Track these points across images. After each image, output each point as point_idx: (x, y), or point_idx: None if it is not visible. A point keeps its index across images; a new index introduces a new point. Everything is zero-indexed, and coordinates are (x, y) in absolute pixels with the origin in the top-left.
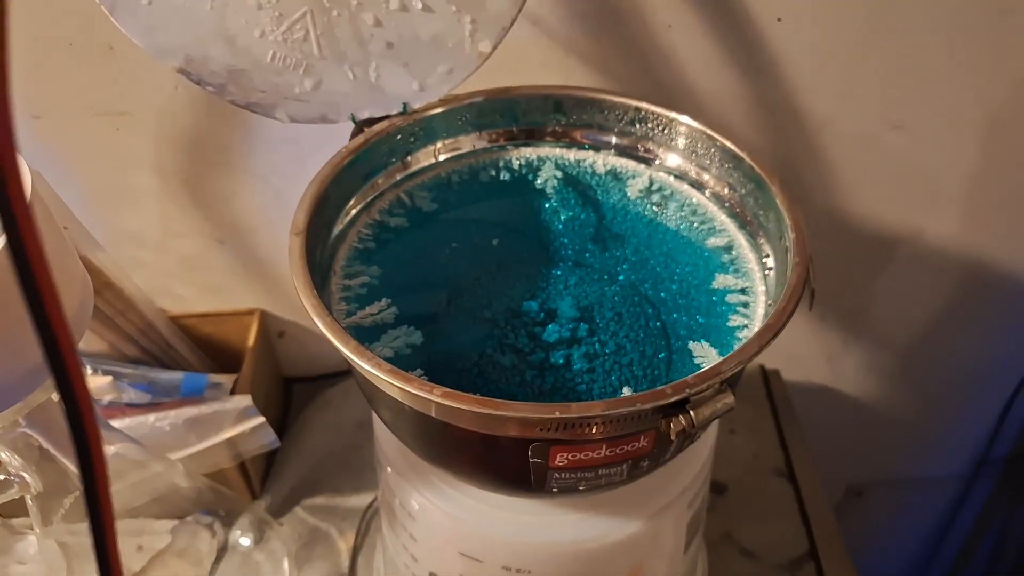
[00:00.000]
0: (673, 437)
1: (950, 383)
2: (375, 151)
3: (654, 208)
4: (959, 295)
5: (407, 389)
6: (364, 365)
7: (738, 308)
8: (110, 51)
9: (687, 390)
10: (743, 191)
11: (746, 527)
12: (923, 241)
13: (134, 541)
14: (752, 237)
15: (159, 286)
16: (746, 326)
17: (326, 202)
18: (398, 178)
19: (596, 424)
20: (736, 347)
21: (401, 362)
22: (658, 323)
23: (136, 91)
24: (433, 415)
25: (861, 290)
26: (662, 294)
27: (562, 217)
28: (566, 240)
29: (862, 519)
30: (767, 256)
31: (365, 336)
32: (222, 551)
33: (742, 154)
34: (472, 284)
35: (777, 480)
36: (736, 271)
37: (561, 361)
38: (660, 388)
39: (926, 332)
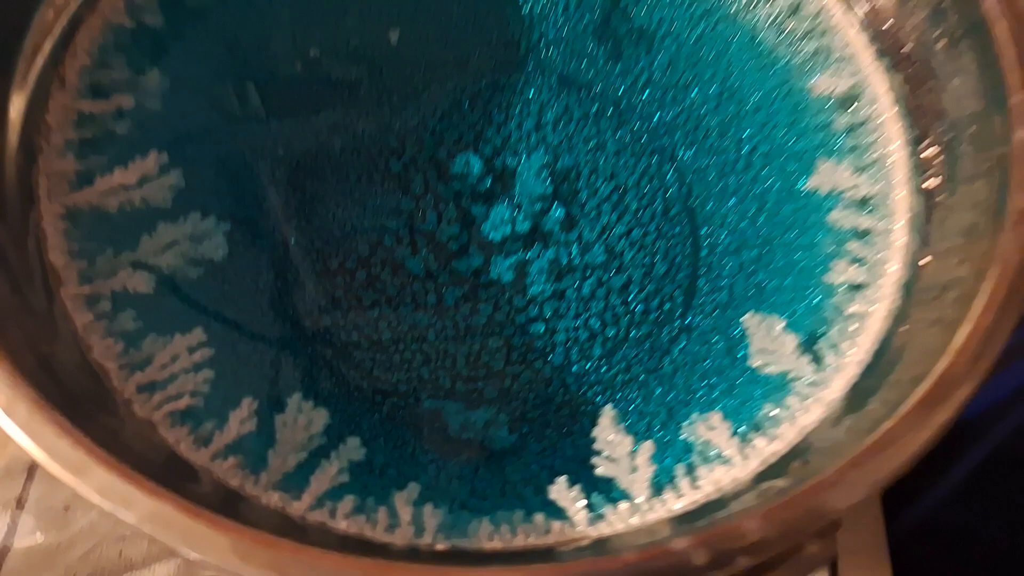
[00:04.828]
0: None
1: None
2: None
3: None
4: None
5: None
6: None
7: (849, 246)
8: None
9: (735, 544)
10: None
11: None
12: None
13: None
14: (905, 96)
15: None
16: (859, 318)
17: None
18: None
19: None
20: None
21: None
22: (683, 213)
23: None
24: None
25: None
26: (701, 160)
27: None
28: (548, 31)
29: None
30: (936, 159)
31: (117, 237)
32: None
33: None
34: (368, 108)
35: None
36: (855, 154)
37: (510, 276)
38: (661, 546)
39: None
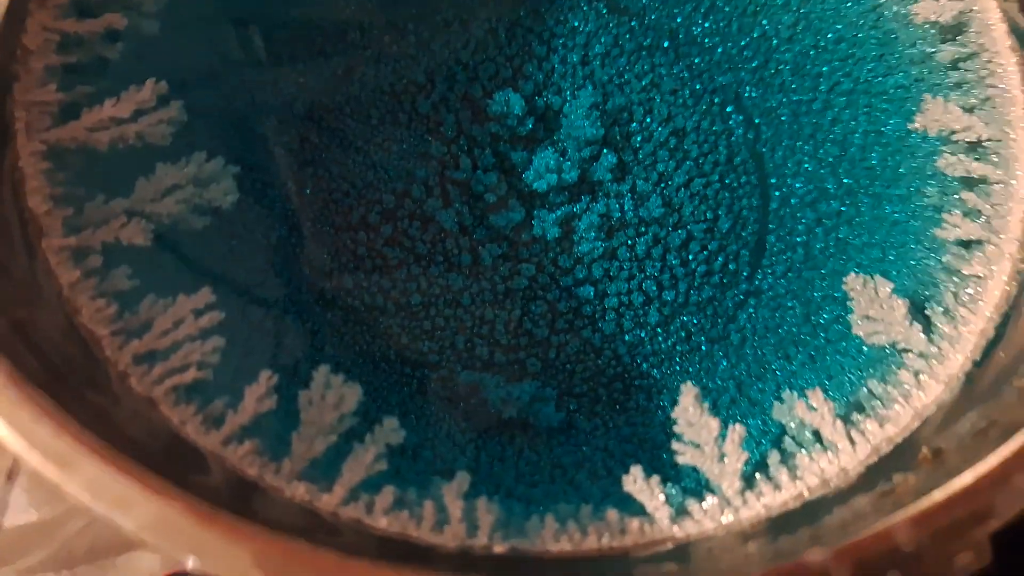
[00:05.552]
0: None
1: None
2: None
3: None
4: None
5: None
6: None
7: (961, 196)
8: None
9: None
10: None
11: None
12: None
13: None
14: (1020, 24)
15: None
16: (977, 280)
17: None
18: None
19: None
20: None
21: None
22: (751, 160)
23: None
24: None
25: None
26: (771, 100)
27: None
28: None
29: None
30: None
31: (108, 180)
32: None
33: None
34: (392, 39)
35: None
36: (961, 92)
37: (555, 232)
38: (792, 561)
39: None
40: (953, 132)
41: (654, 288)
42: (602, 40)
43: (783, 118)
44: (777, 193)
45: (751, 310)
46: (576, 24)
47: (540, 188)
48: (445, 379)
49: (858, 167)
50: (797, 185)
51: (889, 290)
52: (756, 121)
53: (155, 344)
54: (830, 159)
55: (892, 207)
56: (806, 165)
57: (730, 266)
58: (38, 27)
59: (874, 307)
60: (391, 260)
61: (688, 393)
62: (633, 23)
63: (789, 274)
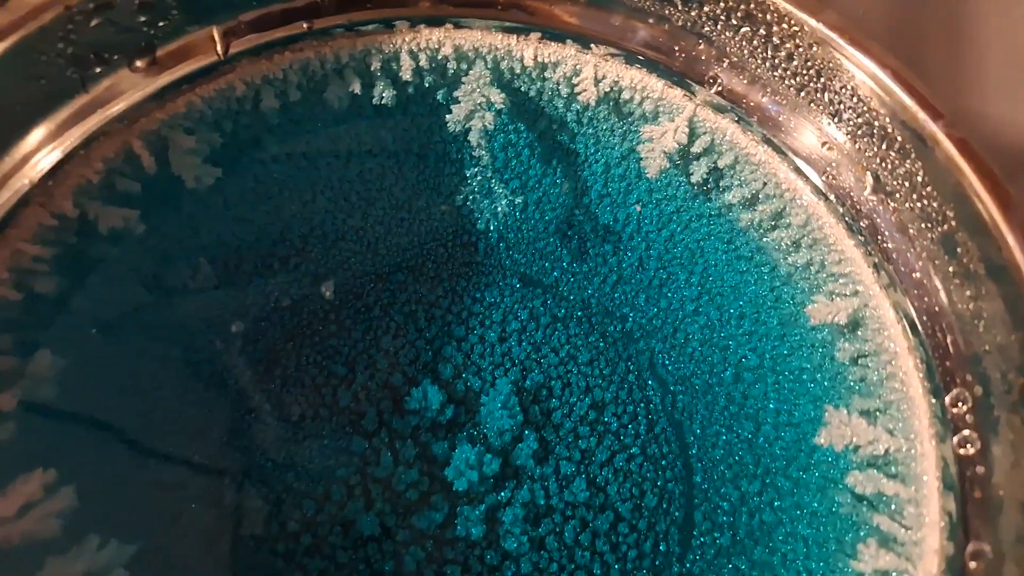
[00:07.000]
0: None
1: None
2: (46, 40)
3: (695, 191)
4: None
5: None
6: None
7: (875, 517)
8: None
9: None
10: (928, 207)
11: None
12: None
13: None
14: (918, 328)
15: None
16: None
17: None
18: (124, 103)
19: None
20: None
21: None
22: (670, 428)
23: None
24: None
25: None
26: (684, 368)
27: (497, 193)
28: (507, 231)
29: None
30: (966, 416)
31: None
32: None
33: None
34: (311, 325)
35: None
36: (863, 388)
37: (480, 530)
38: None
39: None
40: (858, 447)
41: None
42: (519, 315)
43: (697, 386)
44: (699, 464)
45: None
46: (492, 300)
47: (461, 487)
48: None
49: (775, 446)
50: (717, 456)
51: None
52: (672, 388)
53: None
54: (747, 434)
55: (810, 497)
56: (724, 437)
57: (661, 546)
58: None
59: None
60: (311, 573)
61: None
62: (547, 296)
63: (718, 560)
